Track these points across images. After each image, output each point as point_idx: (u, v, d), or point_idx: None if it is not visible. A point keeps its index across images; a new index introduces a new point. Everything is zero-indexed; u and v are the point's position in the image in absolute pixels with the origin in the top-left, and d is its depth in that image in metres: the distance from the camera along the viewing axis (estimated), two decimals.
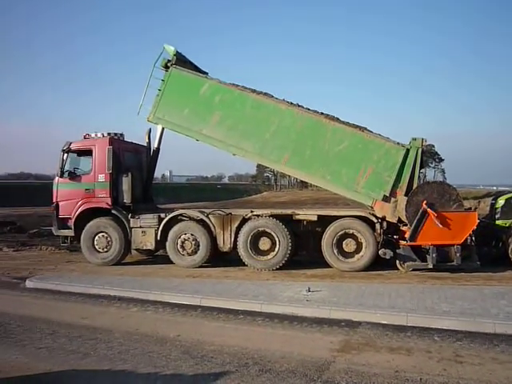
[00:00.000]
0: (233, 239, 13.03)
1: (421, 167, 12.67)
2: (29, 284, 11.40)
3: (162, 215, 13.64)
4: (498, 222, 12.69)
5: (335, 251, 12.37)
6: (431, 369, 5.92)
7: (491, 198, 14.14)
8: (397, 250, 11.97)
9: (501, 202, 12.85)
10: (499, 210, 12.78)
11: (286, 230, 12.62)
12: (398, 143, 12.34)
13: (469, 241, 11.65)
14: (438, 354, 6.45)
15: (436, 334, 7.25)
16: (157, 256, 15.25)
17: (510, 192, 13.52)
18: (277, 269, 12.57)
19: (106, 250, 13.87)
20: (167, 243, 13.46)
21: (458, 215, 11.52)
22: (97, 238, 13.91)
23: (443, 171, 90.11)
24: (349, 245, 12.38)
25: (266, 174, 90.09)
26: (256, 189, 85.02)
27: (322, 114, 12.93)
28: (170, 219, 13.55)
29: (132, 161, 15.01)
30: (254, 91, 13.34)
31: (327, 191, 13.70)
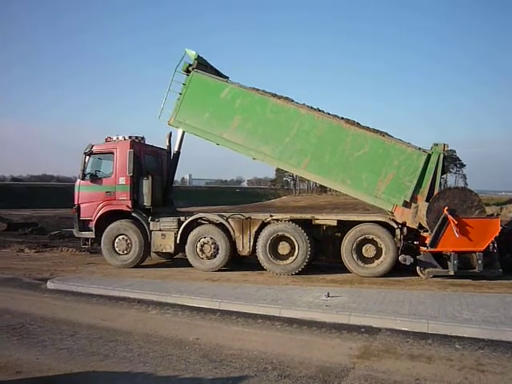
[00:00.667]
0: (252, 243, 13.03)
1: (442, 173, 12.53)
2: (50, 285, 11.52)
3: (182, 218, 13.71)
4: None
5: (354, 256, 12.30)
6: (452, 377, 5.84)
7: None
8: (417, 257, 11.86)
9: None
10: None
11: (305, 234, 12.59)
12: (420, 148, 12.24)
13: (491, 248, 11.48)
14: (460, 362, 6.36)
15: (457, 342, 7.15)
16: (176, 259, 15.33)
17: None
18: (296, 273, 12.54)
19: (125, 252, 14.00)
20: (186, 246, 13.52)
21: (480, 222, 11.37)
22: (117, 240, 14.05)
23: (464, 177, 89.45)
24: (368, 250, 12.30)
25: (285, 179, 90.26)
26: (275, 193, 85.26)
27: (342, 118, 12.89)
28: (189, 223, 13.62)
29: (152, 164, 15.16)
30: (274, 95, 13.37)
31: (346, 196, 13.65)
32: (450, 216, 11.19)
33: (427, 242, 11.53)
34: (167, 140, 15.59)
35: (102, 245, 14.23)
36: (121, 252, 14.04)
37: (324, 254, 13.67)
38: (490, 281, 11.21)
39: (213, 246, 13.24)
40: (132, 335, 7.71)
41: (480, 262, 11.14)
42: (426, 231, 11.74)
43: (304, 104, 13.23)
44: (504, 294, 9.90)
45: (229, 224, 13.29)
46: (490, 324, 7.63)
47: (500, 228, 11.80)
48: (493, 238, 11.38)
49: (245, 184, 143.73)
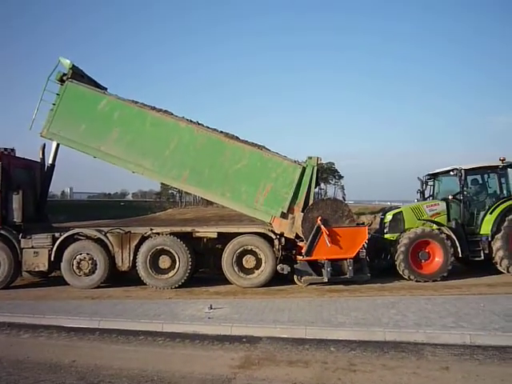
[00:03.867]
0: (132, 258, 12.74)
1: (316, 185, 13.19)
2: None
3: (57, 234, 13.02)
4: (386, 236, 13.53)
5: (236, 268, 12.51)
6: (327, 379, 6.18)
7: (380, 214, 15.04)
8: (294, 265, 12.34)
9: (389, 217, 13.72)
10: (387, 224, 13.65)
11: (185, 247, 12.57)
12: (295, 161, 12.82)
13: (360, 254, 12.31)
14: (334, 364, 6.74)
15: (332, 345, 7.56)
16: (52, 278, 14.47)
17: (397, 208, 14.48)
18: (178, 286, 12.48)
19: None
20: (62, 264, 12.86)
21: (350, 230, 12.16)
22: None
23: (343, 187, 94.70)
24: (249, 261, 12.57)
25: (170, 191, 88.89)
26: (161, 206, 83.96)
27: (221, 132, 13.13)
28: (65, 239, 12.98)
29: (24, 177, 14.21)
30: (153, 108, 13.28)
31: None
32: (322, 226, 11.84)
33: (303, 251, 12.08)
34: (40, 152, 14.76)
35: None
36: None
37: (206, 267, 13.72)
38: (362, 285, 11.99)
39: (90, 262, 12.74)
40: (0, 362, 7.16)
41: (350, 268, 11.91)
42: (302, 241, 12.29)
43: (183, 117, 13.29)
44: (374, 297, 10.65)
45: (107, 239, 12.88)
46: (361, 326, 8.19)
47: (368, 236, 12.73)
48: (362, 245, 12.23)
49: (130, 197, 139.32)
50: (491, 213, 13.32)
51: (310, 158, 12.77)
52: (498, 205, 13.35)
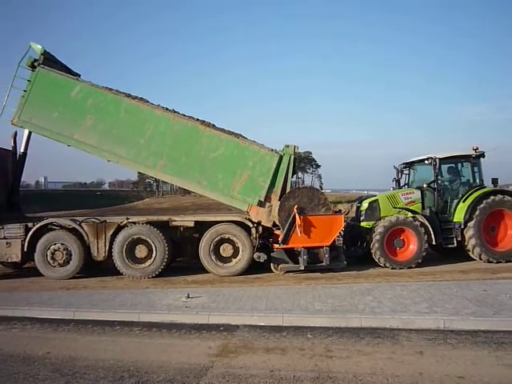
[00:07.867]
0: (107, 248, 12.62)
1: (293, 173, 13.21)
2: None
3: (30, 224, 12.81)
4: (362, 224, 13.63)
5: (213, 257, 12.49)
6: (304, 365, 6.22)
7: (357, 202, 15.16)
8: (271, 254, 12.37)
9: (365, 205, 13.83)
10: (363, 212, 13.76)
11: (162, 236, 12.50)
12: (272, 150, 12.78)
13: (337, 242, 12.40)
14: (311, 350, 6.78)
15: (309, 332, 7.61)
16: (27, 269, 14.23)
17: (373, 196, 14.61)
18: (155, 276, 12.42)
19: None
20: (35, 254, 12.67)
21: (327, 218, 12.25)
22: None
23: (320, 176, 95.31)
24: (226, 249, 12.57)
25: (147, 180, 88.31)
26: (138, 195, 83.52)
27: (197, 120, 13.02)
28: (38, 229, 12.77)
29: None
30: (128, 96, 13.09)
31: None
32: (296, 215, 11.89)
33: (280, 239, 12.12)
34: (12, 140, 14.46)
35: None
36: None
37: (184, 256, 13.67)
38: (339, 273, 12.11)
39: (65, 252, 12.59)
40: None
41: (327, 256, 12.03)
42: (279, 229, 12.32)
43: (159, 105, 13.14)
44: (350, 285, 10.73)
45: (82, 228, 12.72)
46: (338, 313, 8.26)
47: (345, 224, 12.82)
48: (338, 233, 12.32)
49: (106, 186, 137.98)
50: (464, 201, 13.52)
51: (287, 146, 12.76)
52: (471, 193, 13.55)
